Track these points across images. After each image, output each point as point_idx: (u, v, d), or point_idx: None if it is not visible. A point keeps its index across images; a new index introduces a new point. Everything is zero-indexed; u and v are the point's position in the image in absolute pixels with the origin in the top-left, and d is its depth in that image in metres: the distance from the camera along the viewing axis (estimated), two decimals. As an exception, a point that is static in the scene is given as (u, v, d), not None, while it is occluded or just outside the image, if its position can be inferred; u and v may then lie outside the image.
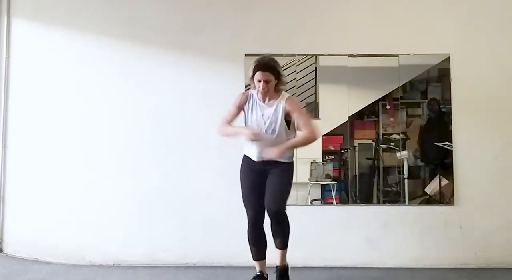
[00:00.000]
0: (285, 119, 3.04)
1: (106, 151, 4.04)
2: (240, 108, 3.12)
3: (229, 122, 3.11)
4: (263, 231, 3.08)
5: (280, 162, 3.03)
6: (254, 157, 3.06)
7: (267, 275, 3.18)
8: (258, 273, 3.13)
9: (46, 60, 4.13)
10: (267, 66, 2.98)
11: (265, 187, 3.06)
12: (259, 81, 2.98)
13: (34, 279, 3.51)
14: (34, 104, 4.11)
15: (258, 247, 3.10)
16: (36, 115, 4.10)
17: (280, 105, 3.04)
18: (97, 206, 3.99)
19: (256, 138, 2.94)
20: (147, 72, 4.08)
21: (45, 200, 4.02)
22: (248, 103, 3.10)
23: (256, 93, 3.10)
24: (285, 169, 3.08)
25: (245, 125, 3.12)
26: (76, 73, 4.10)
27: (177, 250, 3.93)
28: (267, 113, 3.04)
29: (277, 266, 3.10)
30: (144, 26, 4.11)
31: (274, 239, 3.08)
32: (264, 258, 3.13)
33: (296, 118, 3.05)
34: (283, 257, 3.11)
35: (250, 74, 3.06)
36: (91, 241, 3.96)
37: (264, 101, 3.07)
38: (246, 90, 3.90)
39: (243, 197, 3.09)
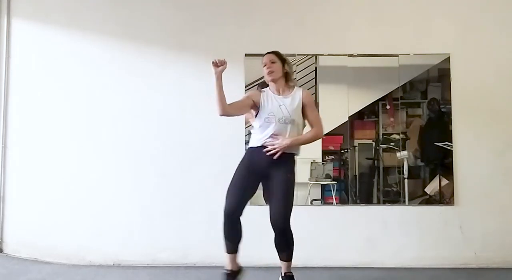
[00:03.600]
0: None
1: (106, 151, 4.04)
2: (250, 99, 3.10)
3: (233, 104, 3.04)
4: (238, 223, 3.02)
5: (287, 158, 3.01)
6: (262, 142, 3.01)
7: (239, 268, 3.15)
8: (227, 271, 3.10)
9: (46, 60, 4.14)
10: (271, 51, 3.15)
11: (253, 190, 3.05)
12: (265, 64, 3.09)
13: (34, 279, 3.51)
14: (34, 104, 4.11)
15: (231, 241, 3.06)
16: (36, 115, 4.10)
17: (297, 95, 3.09)
18: (97, 206, 3.99)
19: (220, 63, 2.92)
20: (147, 72, 4.08)
21: (45, 200, 4.02)
22: (263, 98, 3.09)
23: (268, 89, 3.14)
24: (291, 176, 3.03)
25: (259, 119, 3.08)
26: (76, 73, 4.11)
27: (177, 250, 3.93)
28: (285, 103, 3.05)
29: (285, 274, 3.08)
30: (144, 26, 4.11)
31: (278, 252, 3.06)
32: (237, 251, 3.09)
33: (309, 112, 3.09)
34: (289, 266, 3.10)
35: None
36: (91, 241, 3.96)
37: (278, 94, 3.10)
38: (247, 90, 3.94)
39: (228, 189, 3.03)
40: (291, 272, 3.09)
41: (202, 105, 3.99)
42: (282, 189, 2.98)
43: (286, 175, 3.00)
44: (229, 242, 3.07)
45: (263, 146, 3.00)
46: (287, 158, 3.03)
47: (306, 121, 3.14)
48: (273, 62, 3.08)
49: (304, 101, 3.08)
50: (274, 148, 2.97)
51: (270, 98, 3.09)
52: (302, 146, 3.12)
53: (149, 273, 3.68)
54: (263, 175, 3.03)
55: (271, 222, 2.97)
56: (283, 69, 3.11)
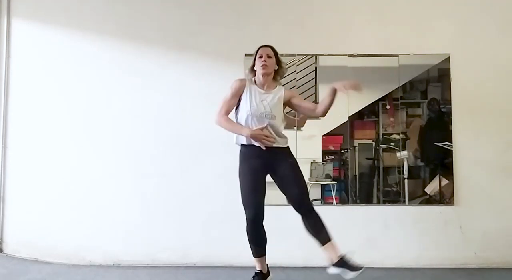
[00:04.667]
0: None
1: (106, 151, 4.04)
2: (237, 95, 3.12)
3: (227, 113, 3.11)
4: (263, 228, 3.05)
5: (282, 150, 3.06)
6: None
7: (268, 271, 3.18)
8: (257, 271, 3.14)
9: (46, 60, 4.14)
10: (268, 45, 3.18)
11: (264, 188, 3.06)
12: (261, 56, 3.10)
13: (34, 279, 3.51)
14: (34, 104, 4.11)
15: (259, 245, 3.08)
16: (36, 115, 4.10)
17: (279, 93, 3.14)
18: (97, 206, 3.99)
19: (260, 137, 2.95)
20: (147, 72, 4.08)
21: (45, 200, 4.02)
22: (246, 90, 3.11)
23: (254, 81, 3.16)
24: (293, 160, 3.10)
25: (241, 110, 3.11)
26: (76, 73, 4.11)
27: (177, 250, 3.93)
28: (267, 99, 3.09)
29: (339, 257, 2.89)
30: (144, 26, 4.11)
31: (317, 236, 2.96)
32: (265, 254, 3.12)
33: (299, 101, 3.19)
34: (335, 247, 2.94)
35: (251, 63, 3.17)
36: (91, 241, 3.96)
37: (263, 88, 3.12)
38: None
39: (242, 195, 3.03)
40: (342, 254, 2.89)
41: (202, 105, 3.99)
42: (292, 172, 3.05)
43: (288, 161, 3.07)
44: (257, 247, 3.09)
45: (254, 145, 3.02)
46: (281, 149, 3.07)
47: (304, 109, 3.20)
48: (269, 57, 3.11)
49: (288, 97, 3.15)
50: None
51: (254, 91, 3.11)
52: (299, 145, 3.16)
53: (149, 273, 3.68)
54: (267, 169, 3.06)
55: (294, 205, 3.00)
56: (275, 65, 3.15)
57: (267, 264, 3.18)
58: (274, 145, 3.01)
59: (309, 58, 4.08)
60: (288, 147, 3.15)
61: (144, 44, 4.10)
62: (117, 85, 4.09)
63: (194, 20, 4.11)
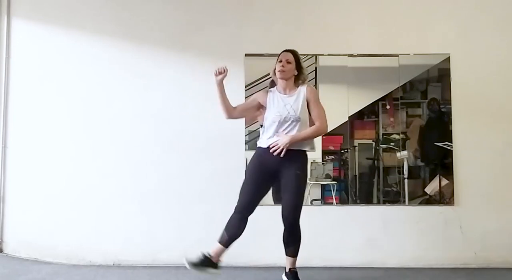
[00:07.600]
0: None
1: (106, 151, 4.04)
2: (256, 101, 3.21)
3: (238, 106, 3.20)
4: (244, 222, 3.05)
5: (299, 155, 3.06)
6: (270, 142, 3.06)
7: (218, 263, 3.06)
8: (207, 254, 3.02)
9: (46, 60, 4.14)
10: (290, 50, 3.20)
11: (265, 189, 3.10)
12: (280, 61, 3.13)
13: (34, 279, 3.51)
14: (34, 104, 4.11)
15: (229, 234, 3.06)
16: (36, 115, 4.10)
17: (301, 93, 3.14)
18: (97, 206, 3.99)
19: (220, 71, 3.07)
20: (147, 72, 4.08)
21: (45, 200, 4.02)
22: (269, 98, 3.16)
23: (275, 89, 3.19)
24: (301, 173, 3.07)
25: (266, 119, 3.14)
26: (76, 73, 4.10)
27: (177, 250, 3.92)
28: (289, 102, 3.11)
29: (289, 269, 3.11)
30: (144, 26, 4.11)
31: (286, 247, 3.10)
32: (228, 246, 3.06)
33: (312, 108, 3.14)
34: (294, 262, 3.13)
35: (274, 67, 3.19)
36: (91, 241, 3.96)
37: (284, 93, 3.16)
38: (247, 90, 3.95)
39: (242, 185, 3.10)
40: (295, 269, 3.11)
41: (202, 105, 3.99)
42: (292, 186, 3.03)
43: (296, 172, 3.04)
44: (227, 235, 3.07)
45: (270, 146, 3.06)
46: (296, 155, 3.06)
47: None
48: (288, 62, 3.13)
49: (308, 97, 3.13)
50: (278, 147, 3.01)
51: (276, 98, 3.15)
52: (315, 143, 3.17)
53: (149, 273, 3.68)
54: (274, 174, 3.07)
55: (282, 217, 3.01)
56: (295, 71, 3.16)
57: (221, 257, 3.07)
58: (294, 148, 3.02)
59: (309, 58, 4.08)
60: (305, 152, 3.12)
61: (144, 44, 4.10)
62: (117, 85, 4.09)
63: (194, 20, 4.11)
